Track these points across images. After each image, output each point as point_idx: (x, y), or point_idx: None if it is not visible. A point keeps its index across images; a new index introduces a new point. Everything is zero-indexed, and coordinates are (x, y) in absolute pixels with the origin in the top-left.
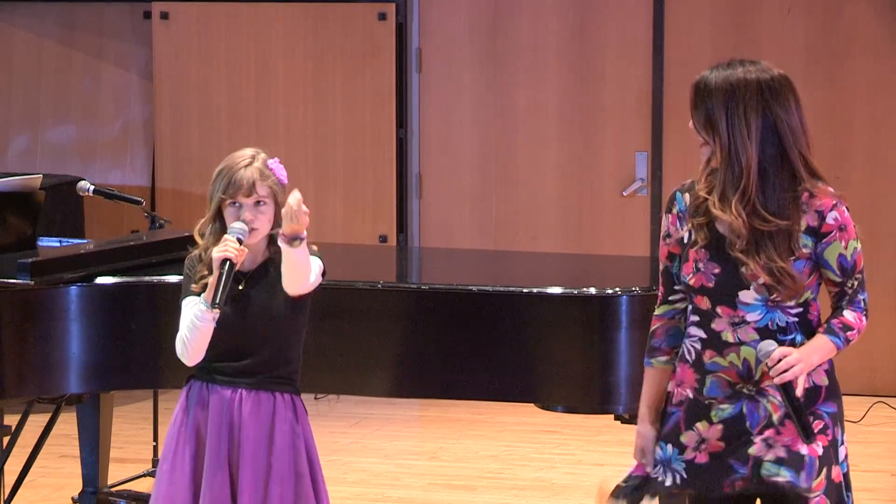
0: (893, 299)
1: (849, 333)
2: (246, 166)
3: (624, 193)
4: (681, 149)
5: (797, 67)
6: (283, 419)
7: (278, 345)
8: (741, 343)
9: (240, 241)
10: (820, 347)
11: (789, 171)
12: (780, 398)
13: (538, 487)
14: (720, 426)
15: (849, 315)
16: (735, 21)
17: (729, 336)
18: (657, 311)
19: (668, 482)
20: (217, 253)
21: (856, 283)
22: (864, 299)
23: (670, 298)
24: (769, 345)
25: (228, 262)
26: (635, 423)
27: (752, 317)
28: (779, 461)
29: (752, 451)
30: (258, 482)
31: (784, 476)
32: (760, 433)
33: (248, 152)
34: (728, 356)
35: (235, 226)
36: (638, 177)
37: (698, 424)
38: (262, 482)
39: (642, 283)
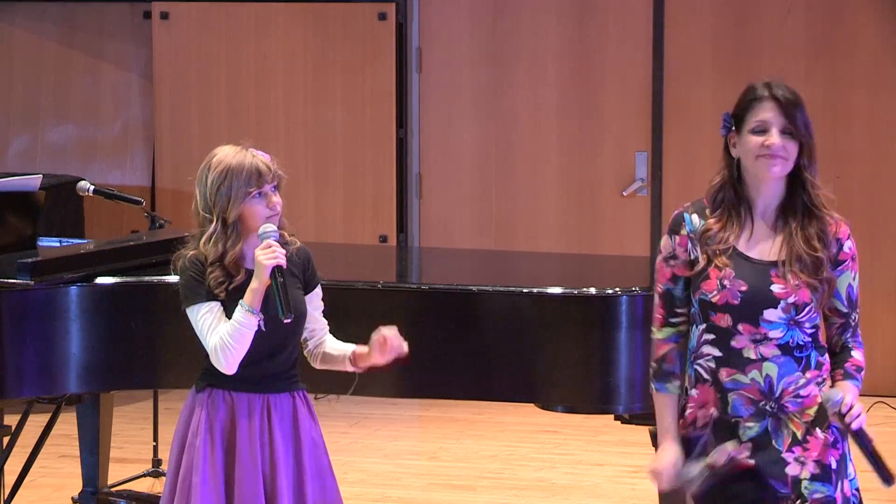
0: (893, 299)
1: (861, 374)
2: (254, 156)
3: (624, 193)
4: (681, 149)
5: (797, 67)
6: (304, 416)
7: (295, 342)
8: (763, 359)
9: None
10: (855, 395)
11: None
12: (798, 414)
13: (538, 487)
14: (749, 444)
15: (857, 355)
16: (735, 21)
17: (751, 353)
18: (660, 335)
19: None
20: (267, 260)
21: (857, 315)
22: (860, 333)
23: (672, 321)
24: (836, 394)
25: (280, 268)
26: (635, 423)
27: (774, 334)
28: (814, 478)
29: (790, 470)
30: (293, 483)
31: (823, 492)
32: (790, 450)
33: (234, 146)
34: (750, 373)
35: (268, 229)
36: (638, 177)
37: (727, 444)
38: (297, 481)
39: (642, 283)
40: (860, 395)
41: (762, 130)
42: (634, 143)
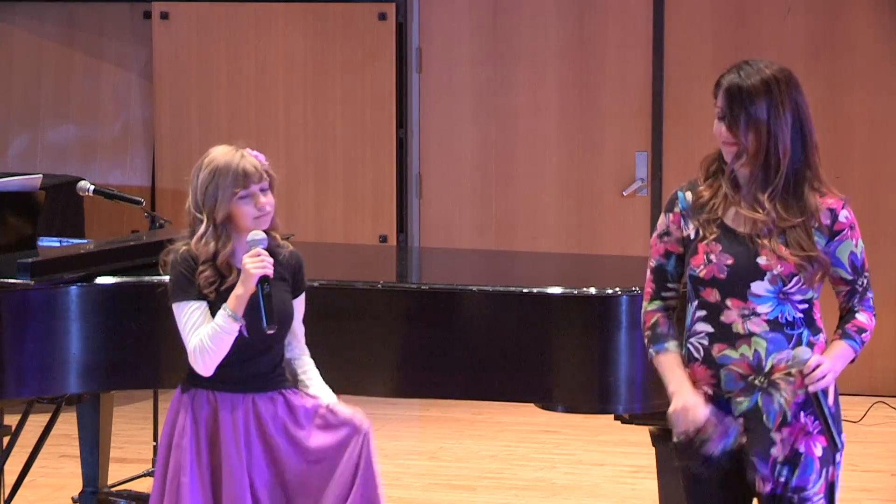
0: (893, 299)
1: (863, 335)
2: (243, 156)
3: (624, 193)
4: (681, 149)
5: (797, 67)
6: (291, 414)
7: (280, 345)
8: (752, 334)
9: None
10: (842, 355)
11: (809, 167)
12: (789, 392)
13: (538, 487)
14: (741, 420)
15: (861, 317)
16: (735, 21)
17: (739, 328)
18: (649, 307)
19: (718, 451)
20: (255, 269)
21: (865, 280)
22: (871, 297)
23: (662, 295)
24: (804, 353)
25: (267, 279)
26: (635, 423)
27: (762, 308)
28: (785, 460)
29: (774, 451)
30: (281, 481)
31: (787, 477)
32: (779, 431)
33: (228, 146)
34: (740, 348)
35: (257, 237)
36: (638, 177)
37: (726, 419)
38: (285, 480)
39: (642, 284)
40: (863, 392)
41: (721, 116)
42: (634, 143)
